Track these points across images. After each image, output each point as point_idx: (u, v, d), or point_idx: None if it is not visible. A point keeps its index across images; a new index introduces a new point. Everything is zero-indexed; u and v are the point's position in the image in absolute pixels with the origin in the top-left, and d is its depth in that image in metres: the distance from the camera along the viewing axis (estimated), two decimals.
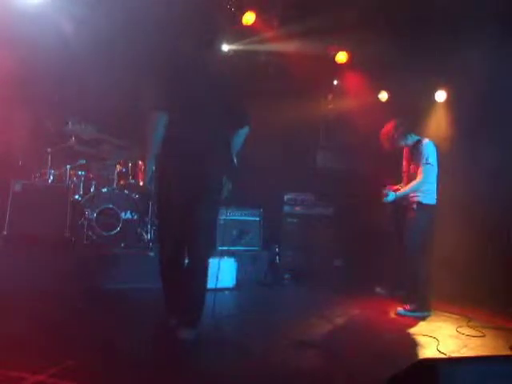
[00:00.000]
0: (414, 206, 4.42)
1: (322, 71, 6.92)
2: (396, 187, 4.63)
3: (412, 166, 4.55)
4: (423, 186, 4.40)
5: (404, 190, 4.49)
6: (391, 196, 4.45)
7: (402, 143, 4.64)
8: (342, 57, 6.78)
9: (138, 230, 5.46)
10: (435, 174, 4.50)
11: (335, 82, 7.44)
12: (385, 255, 5.15)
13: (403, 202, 4.51)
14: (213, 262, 4.97)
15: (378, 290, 5.16)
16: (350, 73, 7.09)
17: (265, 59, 6.73)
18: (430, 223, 4.55)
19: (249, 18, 5.97)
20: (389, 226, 4.88)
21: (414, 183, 4.42)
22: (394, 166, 4.92)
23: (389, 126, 4.62)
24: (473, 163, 5.42)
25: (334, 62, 6.82)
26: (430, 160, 4.41)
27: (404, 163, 4.76)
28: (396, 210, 4.65)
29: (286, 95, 6.68)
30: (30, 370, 2.42)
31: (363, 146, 6.48)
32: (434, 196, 4.51)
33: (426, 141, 4.52)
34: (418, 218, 4.42)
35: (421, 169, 4.39)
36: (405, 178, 4.70)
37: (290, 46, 6.34)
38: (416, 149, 4.52)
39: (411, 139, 4.60)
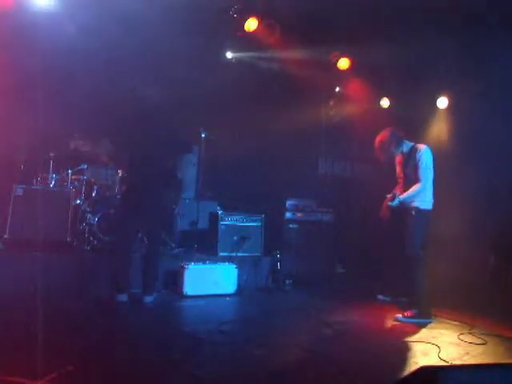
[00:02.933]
0: (413, 211, 4.45)
1: (324, 77, 6.94)
2: (392, 193, 4.66)
3: (410, 172, 4.58)
4: (423, 189, 4.45)
5: (406, 194, 4.51)
6: (397, 200, 4.48)
7: (398, 152, 4.70)
8: (344, 63, 6.79)
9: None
10: (432, 178, 4.56)
11: (337, 89, 7.45)
12: (386, 261, 5.13)
13: (400, 207, 4.53)
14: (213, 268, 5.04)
15: (380, 297, 5.14)
16: (352, 79, 7.10)
17: (267, 66, 6.75)
18: (426, 227, 4.57)
19: (251, 24, 5.99)
20: (387, 230, 4.88)
21: (415, 187, 4.45)
22: (395, 173, 4.92)
23: (382, 138, 4.66)
24: (474, 170, 5.42)
25: (336, 68, 6.83)
26: (429, 165, 4.49)
27: (398, 169, 4.81)
28: (393, 216, 4.66)
29: (287, 101, 6.70)
30: (29, 375, 2.42)
31: (364, 153, 6.49)
32: (431, 201, 4.57)
33: (422, 146, 4.59)
34: (417, 223, 4.46)
35: (421, 173, 4.45)
36: (400, 184, 4.73)
37: (292, 52, 6.36)
38: (413, 155, 4.57)
39: (406, 146, 4.67)
